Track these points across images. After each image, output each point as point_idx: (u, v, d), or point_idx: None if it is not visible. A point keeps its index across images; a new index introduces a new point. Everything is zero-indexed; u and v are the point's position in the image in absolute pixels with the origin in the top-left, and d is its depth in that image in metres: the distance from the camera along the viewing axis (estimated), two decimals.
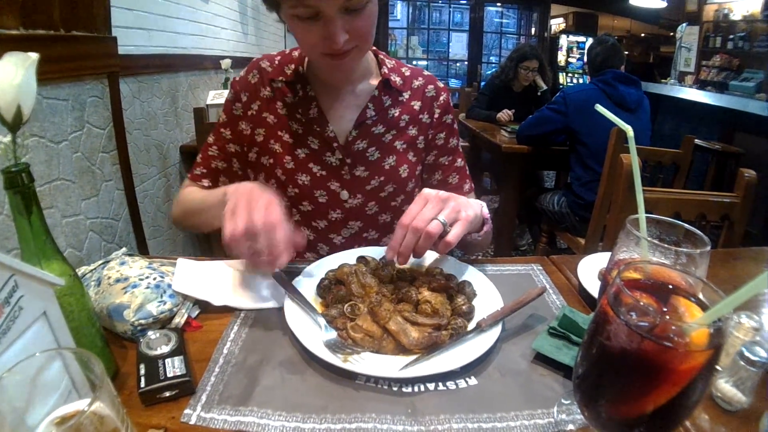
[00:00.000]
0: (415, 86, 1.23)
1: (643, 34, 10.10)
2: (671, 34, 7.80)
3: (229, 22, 3.70)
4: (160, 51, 2.51)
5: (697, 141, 2.68)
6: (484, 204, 1.02)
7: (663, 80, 6.94)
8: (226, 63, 3.24)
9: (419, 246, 0.85)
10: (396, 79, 1.19)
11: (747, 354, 0.65)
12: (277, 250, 0.79)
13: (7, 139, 0.60)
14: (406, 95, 1.22)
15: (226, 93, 2.83)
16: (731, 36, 6.24)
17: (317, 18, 0.91)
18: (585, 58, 3.17)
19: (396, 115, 1.20)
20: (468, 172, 1.31)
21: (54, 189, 1.62)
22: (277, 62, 1.19)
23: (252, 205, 0.81)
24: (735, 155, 4.01)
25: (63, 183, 1.67)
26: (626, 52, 9.44)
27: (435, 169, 1.28)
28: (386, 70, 1.19)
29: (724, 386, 0.66)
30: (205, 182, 1.22)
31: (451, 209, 0.88)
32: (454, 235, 0.86)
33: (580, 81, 8.41)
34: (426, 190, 0.90)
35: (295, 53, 1.20)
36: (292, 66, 1.17)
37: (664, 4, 6.01)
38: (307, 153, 1.16)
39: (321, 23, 0.92)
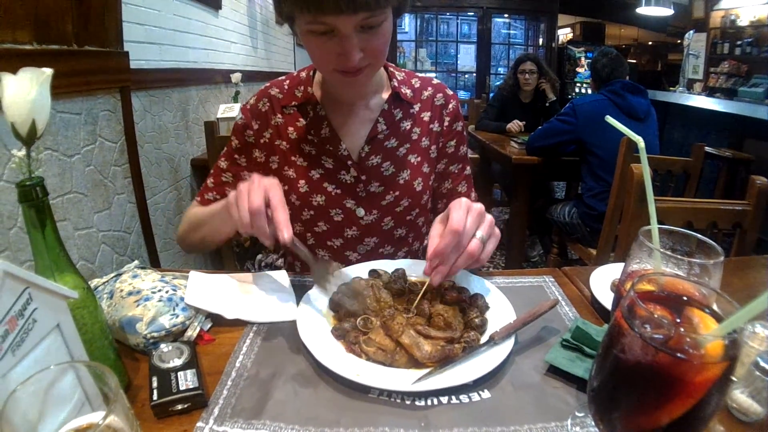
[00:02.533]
0: (424, 97, 1.22)
1: (650, 42, 10.08)
2: (679, 41, 7.79)
3: (239, 36, 3.74)
4: (171, 65, 2.54)
5: (707, 148, 2.66)
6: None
7: (671, 88, 6.92)
8: (236, 77, 3.26)
9: (457, 265, 0.83)
10: (406, 91, 1.19)
11: (762, 364, 0.64)
12: (279, 226, 0.81)
13: (22, 153, 0.60)
14: (416, 107, 1.21)
15: (236, 107, 2.87)
16: (739, 42, 6.24)
17: (333, 34, 0.90)
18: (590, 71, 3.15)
19: (408, 128, 1.19)
20: (473, 181, 1.31)
21: (67, 202, 1.64)
22: (286, 87, 1.19)
23: (251, 191, 0.83)
24: (745, 162, 3.98)
25: (76, 196, 1.69)
26: (634, 61, 9.49)
27: (445, 178, 1.27)
28: (396, 83, 1.18)
29: (740, 397, 0.65)
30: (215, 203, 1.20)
31: (488, 224, 0.87)
32: (486, 253, 0.86)
33: (589, 91, 8.40)
34: (464, 200, 0.87)
35: (303, 74, 1.19)
36: (302, 88, 1.16)
37: (671, 12, 6.00)
38: (322, 173, 1.16)
39: (336, 40, 0.91)
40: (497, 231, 0.90)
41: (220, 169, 1.21)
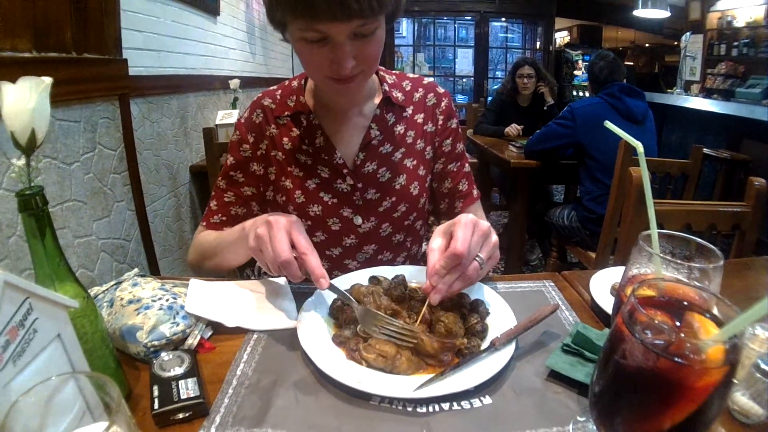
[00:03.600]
0: (416, 99, 1.22)
1: (647, 44, 10.11)
2: (675, 43, 7.82)
3: (237, 42, 3.75)
4: (169, 72, 2.55)
5: (705, 150, 2.66)
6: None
7: (669, 90, 6.94)
8: (234, 83, 3.27)
9: (453, 288, 0.82)
10: (398, 95, 1.19)
11: (763, 366, 0.64)
12: (315, 274, 0.82)
13: (21, 162, 0.60)
14: (409, 110, 1.20)
15: (235, 113, 2.88)
16: (735, 43, 6.25)
17: (325, 41, 0.90)
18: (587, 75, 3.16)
19: (402, 132, 1.19)
20: (473, 178, 1.29)
21: (66, 210, 1.64)
22: (278, 97, 1.18)
23: (274, 238, 0.82)
24: (743, 163, 4.00)
25: (75, 204, 1.69)
26: (631, 63, 9.50)
27: (444, 177, 1.26)
28: (387, 87, 1.17)
29: (741, 399, 0.65)
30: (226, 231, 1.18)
31: (491, 245, 0.86)
32: (480, 275, 0.85)
33: (587, 94, 8.40)
34: (471, 216, 0.85)
35: (294, 83, 1.18)
36: (294, 97, 1.16)
37: (668, 14, 6.01)
38: (318, 183, 1.15)
39: (329, 47, 0.90)
40: (497, 254, 0.88)
41: (221, 190, 1.20)
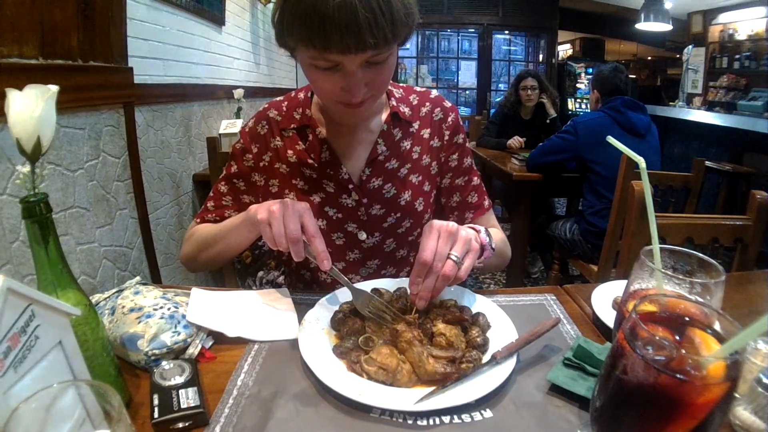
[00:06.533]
0: (422, 114, 1.20)
1: (649, 57, 10.14)
2: (678, 56, 7.84)
3: (241, 52, 3.77)
4: (174, 80, 2.56)
5: (707, 163, 2.66)
6: (483, 229, 0.99)
7: (671, 103, 6.96)
8: (238, 93, 3.29)
9: (436, 288, 0.86)
10: (405, 110, 1.17)
11: (765, 380, 0.64)
12: (320, 256, 0.87)
13: (26, 169, 0.61)
14: (415, 125, 1.19)
15: (238, 122, 2.89)
16: (737, 56, 6.29)
17: (336, 68, 0.89)
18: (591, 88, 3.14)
19: (408, 147, 1.18)
20: (485, 189, 1.29)
21: (69, 217, 1.64)
22: (284, 109, 1.17)
23: (287, 216, 0.87)
24: (745, 175, 4.00)
25: (78, 211, 1.69)
26: (633, 76, 9.50)
27: (452, 192, 1.25)
28: (394, 102, 1.16)
29: (743, 413, 0.65)
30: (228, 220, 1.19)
31: (462, 241, 0.89)
32: (464, 269, 0.87)
33: (589, 106, 8.40)
34: (435, 222, 0.89)
35: (301, 95, 1.18)
36: (300, 110, 1.15)
37: (670, 27, 6.03)
38: (323, 197, 1.14)
39: (340, 74, 0.90)
40: (474, 245, 0.91)
41: (220, 193, 1.20)
